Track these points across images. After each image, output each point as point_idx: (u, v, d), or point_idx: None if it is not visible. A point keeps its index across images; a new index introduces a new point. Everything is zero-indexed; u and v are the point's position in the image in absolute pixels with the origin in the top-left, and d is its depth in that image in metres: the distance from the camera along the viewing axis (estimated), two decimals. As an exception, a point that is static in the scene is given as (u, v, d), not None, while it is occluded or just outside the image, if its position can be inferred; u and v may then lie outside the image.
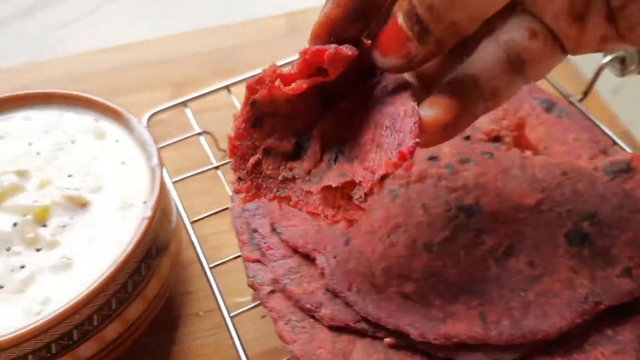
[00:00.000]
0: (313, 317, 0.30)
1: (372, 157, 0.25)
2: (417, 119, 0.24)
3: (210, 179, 0.42)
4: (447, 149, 0.35)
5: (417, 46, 0.24)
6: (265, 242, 0.32)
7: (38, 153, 0.34)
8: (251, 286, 0.32)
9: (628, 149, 0.41)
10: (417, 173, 0.34)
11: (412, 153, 0.23)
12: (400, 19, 0.24)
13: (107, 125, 0.36)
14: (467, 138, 0.36)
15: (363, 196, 0.25)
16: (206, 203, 0.43)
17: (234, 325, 0.32)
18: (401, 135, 0.24)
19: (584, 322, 0.28)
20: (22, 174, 0.33)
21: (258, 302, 0.33)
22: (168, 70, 0.54)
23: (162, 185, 0.33)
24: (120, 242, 0.31)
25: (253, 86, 0.25)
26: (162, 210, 0.33)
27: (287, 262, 0.31)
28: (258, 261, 0.32)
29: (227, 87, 0.46)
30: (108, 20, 0.66)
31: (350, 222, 0.25)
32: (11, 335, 0.26)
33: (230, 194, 0.38)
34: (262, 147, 0.26)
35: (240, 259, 0.35)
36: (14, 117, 0.36)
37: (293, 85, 0.25)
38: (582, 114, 0.40)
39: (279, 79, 0.25)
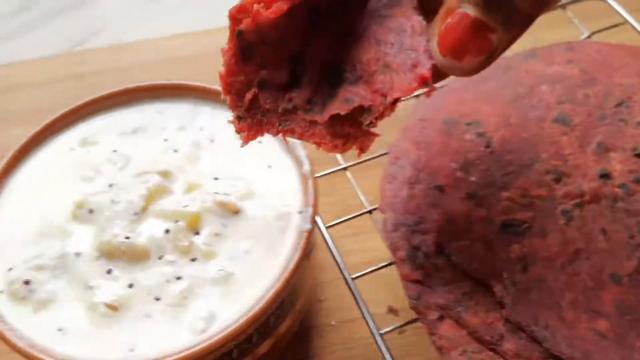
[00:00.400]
0: (493, 349, 0.27)
1: (381, 79, 0.23)
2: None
3: (332, 178, 0.39)
4: (618, 166, 0.32)
5: (503, 35, 0.21)
6: (431, 262, 0.29)
7: (176, 151, 0.32)
8: (414, 309, 0.29)
9: None
10: (590, 192, 0.31)
11: (432, 76, 0.22)
12: (472, 11, 0.21)
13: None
14: (639, 155, 0.33)
15: (374, 121, 0.23)
16: (329, 205, 0.40)
17: (385, 343, 0.30)
18: (413, 55, 0.23)
19: None
20: (165, 175, 0.30)
21: (408, 321, 0.31)
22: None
23: (317, 195, 0.30)
24: (279, 254, 0.28)
25: (235, 15, 0.24)
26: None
27: (460, 287, 0.29)
28: (420, 282, 0.30)
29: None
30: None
31: (362, 150, 0.24)
32: (182, 355, 0.24)
33: (363, 198, 0.35)
34: (256, 80, 0.24)
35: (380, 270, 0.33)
36: (146, 109, 0.34)
37: (274, 7, 0.23)
38: None
39: (261, 4, 0.23)
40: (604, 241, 0.30)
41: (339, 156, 0.39)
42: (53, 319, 0.27)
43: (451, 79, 0.26)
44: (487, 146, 0.33)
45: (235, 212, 0.29)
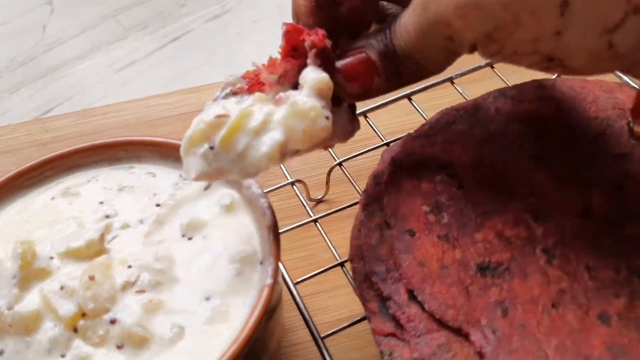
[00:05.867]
0: (475, 406, 0.25)
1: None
2: None
3: (302, 232, 0.38)
4: (599, 201, 0.31)
5: (384, 82, 0.28)
6: (403, 312, 0.27)
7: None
8: (389, 366, 0.27)
9: None
10: (572, 229, 0.29)
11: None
12: (373, 55, 0.27)
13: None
14: (621, 188, 0.31)
15: None
16: (299, 260, 0.39)
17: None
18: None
19: None
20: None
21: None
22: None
23: (278, 246, 0.28)
24: (233, 315, 0.26)
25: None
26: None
27: (435, 338, 0.26)
28: (393, 335, 0.27)
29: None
30: (170, 61, 0.64)
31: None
32: None
33: (334, 250, 0.33)
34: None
35: (354, 326, 0.31)
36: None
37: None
38: None
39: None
40: (589, 279, 0.27)
41: (308, 209, 0.37)
42: None
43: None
44: (459, 187, 0.32)
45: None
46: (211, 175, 0.27)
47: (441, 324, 0.27)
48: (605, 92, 0.37)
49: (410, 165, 0.33)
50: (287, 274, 0.33)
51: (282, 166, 0.40)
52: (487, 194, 0.31)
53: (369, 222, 0.31)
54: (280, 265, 0.33)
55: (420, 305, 0.27)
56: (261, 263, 0.28)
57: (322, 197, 0.43)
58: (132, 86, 0.62)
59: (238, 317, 0.26)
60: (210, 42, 0.67)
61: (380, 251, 0.30)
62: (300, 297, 0.32)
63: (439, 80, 0.44)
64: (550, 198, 0.31)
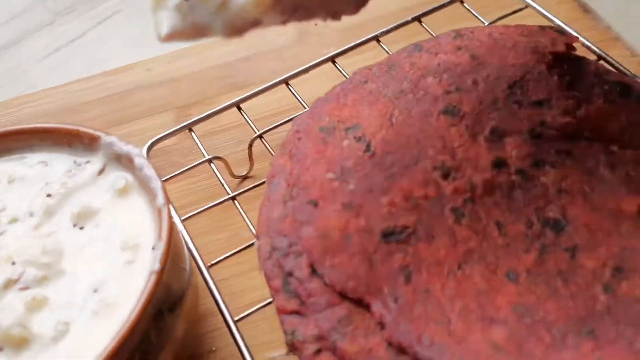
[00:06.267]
0: (377, 380, 0.23)
1: None
2: None
3: (224, 211, 0.36)
4: (514, 152, 0.29)
5: None
6: (304, 288, 0.26)
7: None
8: (291, 345, 0.25)
9: None
10: (483, 184, 0.28)
11: None
12: None
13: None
14: (538, 136, 0.30)
15: None
16: (221, 241, 0.37)
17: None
18: None
19: None
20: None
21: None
22: (172, 91, 0.48)
23: (172, 228, 0.27)
24: (118, 306, 0.25)
25: None
26: (173, 257, 0.27)
27: (335, 312, 0.25)
28: (297, 312, 0.26)
29: (236, 105, 0.40)
30: (99, 43, 0.61)
31: None
32: None
33: (253, 229, 0.31)
34: None
35: (269, 307, 0.29)
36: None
37: None
38: (666, 95, 0.33)
39: None
40: (499, 236, 0.26)
41: (226, 186, 0.35)
42: None
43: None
44: (367, 150, 0.30)
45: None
46: (186, 32, 0.23)
47: (344, 296, 0.25)
48: (525, 36, 0.35)
49: (317, 129, 0.31)
50: (200, 257, 0.31)
51: (199, 144, 0.38)
52: (395, 155, 0.29)
53: (274, 195, 0.29)
54: (193, 248, 0.32)
55: (322, 279, 0.26)
56: (153, 249, 0.26)
57: (247, 173, 0.41)
58: (63, 72, 0.59)
59: (126, 308, 0.25)
60: (141, 20, 0.64)
61: (282, 225, 0.28)
62: (213, 281, 0.30)
63: (363, 39, 0.42)
64: (462, 154, 0.29)
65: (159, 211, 0.27)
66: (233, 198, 0.35)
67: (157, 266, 0.25)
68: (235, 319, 0.29)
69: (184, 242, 0.31)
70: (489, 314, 0.23)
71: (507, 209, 0.27)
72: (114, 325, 0.24)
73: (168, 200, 0.28)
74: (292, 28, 0.53)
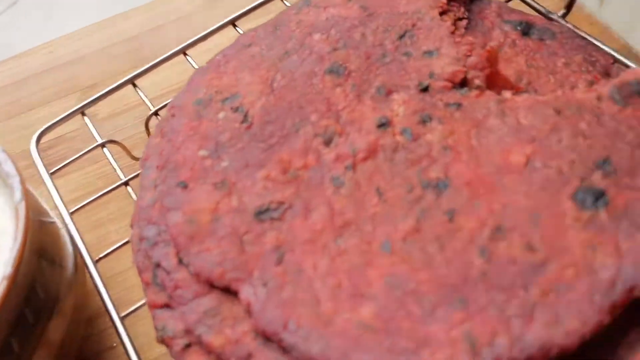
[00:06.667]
0: (246, 372, 0.22)
1: None
2: None
3: (125, 198, 0.34)
4: (400, 109, 0.27)
5: None
6: (170, 280, 0.24)
7: None
8: (161, 341, 0.23)
9: (634, 65, 0.32)
10: (365, 148, 0.26)
11: None
12: None
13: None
14: (425, 89, 0.27)
15: None
16: (122, 231, 0.35)
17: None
18: None
19: (617, 319, 0.20)
20: None
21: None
22: (76, 73, 0.45)
23: (29, 227, 0.25)
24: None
25: None
26: (43, 256, 0.26)
27: (202, 303, 0.23)
28: (167, 306, 0.24)
29: (131, 82, 0.37)
30: (6, 29, 0.58)
31: None
32: None
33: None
34: None
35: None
36: None
37: None
38: (570, 31, 0.31)
39: None
40: (378, 204, 0.24)
41: (119, 172, 0.33)
42: None
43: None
44: (244, 121, 0.28)
45: None
46: None
47: (212, 287, 0.23)
48: (420, -20, 0.32)
49: (192, 104, 0.29)
50: (87, 252, 0.29)
51: (92, 128, 0.36)
52: (275, 124, 0.27)
53: (145, 179, 0.27)
54: (80, 243, 0.30)
55: (188, 268, 0.24)
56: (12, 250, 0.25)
57: (149, 153, 0.39)
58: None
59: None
60: (47, 3, 0.60)
61: (152, 212, 0.26)
62: (99, 276, 0.28)
63: (264, -2, 0.39)
64: (346, 116, 0.27)
65: (17, 209, 0.25)
66: (126, 183, 0.33)
67: (9, 269, 0.23)
68: (122, 315, 0.28)
69: (67, 237, 0.29)
70: (360, 290, 0.22)
71: (389, 173, 0.25)
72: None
73: (26, 197, 0.25)
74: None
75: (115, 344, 0.31)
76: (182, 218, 0.25)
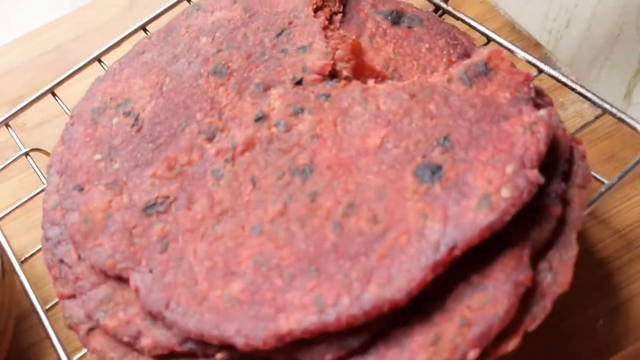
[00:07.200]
0: (136, 350, 0.25)
1: None
2: None
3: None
4: (277, 103, 0.30)
5: None
6: (72, 273, 0.27)
7: None
8: (70, 327, 0.26)
9: (505, 42, 0.35)
10: (243, 142, 0.29)
11: None
12: None
13: None
14: (299, 83, 0.30)
15: None
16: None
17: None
18: None
19: (441, 276, 0.23)
20: None
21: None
22: (3, 85, 0.47)
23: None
24: None
25: None
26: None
27: (99, 292, 0.26)
28: (73, 296, 0.27)
29: (50, 91, 0.39)
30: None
31: None
32: None
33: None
34: None
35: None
36: None
37: None
38: (436, 17, 0.34)
39: None
40: (252, 192, 0.27)
41: (43, 178, 0.36)
42: None
43: None
44: (135, 124, 0.30)
45: None
46: None
47: (107, 277, 0.26)
48: (299, -21, 0.35)
49: (89, 112, 0.31)
50: (13, 254, 0.32)
51: (16, 138, 0.38)
52: (163, 125, 0.30)
53: (49, 185, 0.30)
54: (7, 247, 0.32)
55: (86, 262, 0.27)
56: None
57: (73, 157, 0.41)
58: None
59: None
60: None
61: (55, 214, 0.29)
62: (24, 274, 0.31)
63: (172, 2, 0.42)
64: (228, 112, 0.30)
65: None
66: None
67: None
68: (46, 307, 0.30)
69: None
70: (231, 270, 0.25)
71: (263, 163, 0.28)
72: None
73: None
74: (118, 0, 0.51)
75: (44, 336, 0.34)
76: (79, 218, 0.27)
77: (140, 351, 0.25)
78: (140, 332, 0.25)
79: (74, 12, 0.52)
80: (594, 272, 0.31)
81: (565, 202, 0.25)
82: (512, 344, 0.22)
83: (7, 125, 0.39)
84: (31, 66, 0.48)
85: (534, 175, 0.24)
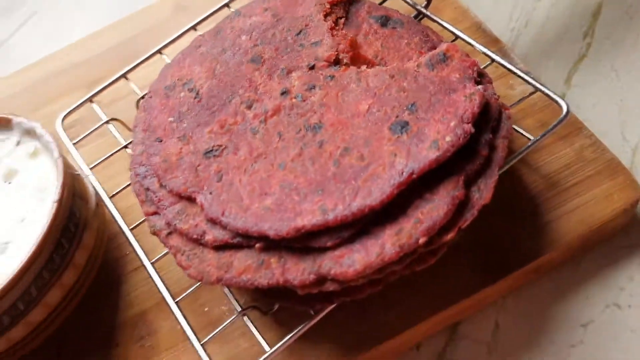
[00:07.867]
0: (202, 244, 0.37)
1: None
2: None
3: (127, 159, 0.49)
4: (296, 82, 0.42)
5: None
6: (156, 196, 0.39)
7: None
8: (154, 233, 0.39)
9: (468, 38, 0.47)
10: (272, 108, 0.41)
11: None
12: None
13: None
14: (312, 68, 0.42)
15: None
16: (127, 179, 0.50)
17: (155, 270, 0.40)
18: None
19: (403, 192, 0.35)
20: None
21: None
22: (82, 73, 0.60)
23: (66, 172, 0.40)
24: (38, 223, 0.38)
25: None
26: (75, 194, 0.41)
27: (175, 207, 0.38)
28: (155, 213, 0.39)
29: (124, 76, 0.52)
30: (26, 42, 0.72)
31: None
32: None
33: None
34: None
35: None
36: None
37: None
38: (413, 20, 0.46)
39: None
40: (279, 142, 0.39)
41: (122, 139, 0.48)
42: None
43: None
44: (196, 97, 0.43)
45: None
46: None
47: (181, 197, 0.39)
48: (315, -8, 0.47)
49: (163, 89, 0.44)
50: (104, 191, 0.44)
51: (99, 111, 0.50)
52: (216, 98, 0.42)
53: (135, 139, 0.42)
54: (98, 187, 0.45)
55: (166, 188, 0.39)
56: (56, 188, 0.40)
57: (141, 127, 0.54)
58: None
59: (44, 223, 0.38)
60: (56, 15, 0.74)
61: (142, 158, 0.41)
62: (114, 206, 0.43)
63: (217, 7, 0.54)
64: (261, 89, 0.42)
65: (57, 162, 0.40)
66: (125, 147, 0.48)
67: (56, 197, 0.38)
68: (130, 227, 0.43)
69: (90, 185, 0.45)
70: (264, 191, 0.37)
71: (287, 123, 0.40)
72: (36, 232, 0.38)
73: (61, 155, 0.40)
74: (168, 5, 0.64)
75: (128, 252, 0.46)
76: (160, 160, 0.40)
77: (205, 244, 0.37)
78: (205, 232, 0.37)
79: (129, 17, 0.65)
80: (528, 203, 0.43)
81: (492, 147, 0.37)
82: (450, 236, 0.34)
83: (91, 101, 0.51)
84: (101, 57, 0.61)
85: (468, 127, 0.36)
